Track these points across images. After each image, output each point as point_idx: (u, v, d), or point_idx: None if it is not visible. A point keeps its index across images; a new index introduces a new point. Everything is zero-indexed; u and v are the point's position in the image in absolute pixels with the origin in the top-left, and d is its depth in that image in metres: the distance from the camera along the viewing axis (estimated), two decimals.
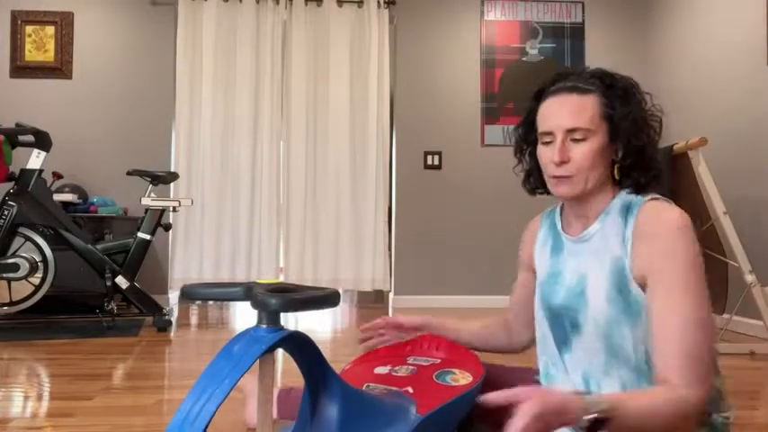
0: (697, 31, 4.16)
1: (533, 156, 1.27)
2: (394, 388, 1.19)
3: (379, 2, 4.64)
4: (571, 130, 1.13)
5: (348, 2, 4.64)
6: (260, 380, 0.99)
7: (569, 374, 1.19)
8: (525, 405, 0.84)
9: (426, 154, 4.73)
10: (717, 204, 2.94)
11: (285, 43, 4.61)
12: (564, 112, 1.14)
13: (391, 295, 4.70)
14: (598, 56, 4.78)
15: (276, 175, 4.56)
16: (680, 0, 4.38)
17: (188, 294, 1.04)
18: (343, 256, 4.57)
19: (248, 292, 0.97)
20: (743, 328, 3.37)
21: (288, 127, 4.58)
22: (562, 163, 1.14)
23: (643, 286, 1.09)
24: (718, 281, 2.98)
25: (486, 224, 4.71)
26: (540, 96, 1.22)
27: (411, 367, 1.29)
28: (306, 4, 4.60)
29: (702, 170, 2.94)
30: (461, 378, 1.22)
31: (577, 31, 4.83)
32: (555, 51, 4.80)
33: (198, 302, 4.81)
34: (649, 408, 0.94)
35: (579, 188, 1.15)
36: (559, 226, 1.26)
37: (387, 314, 4.50)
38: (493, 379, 1.32)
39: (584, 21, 4.84)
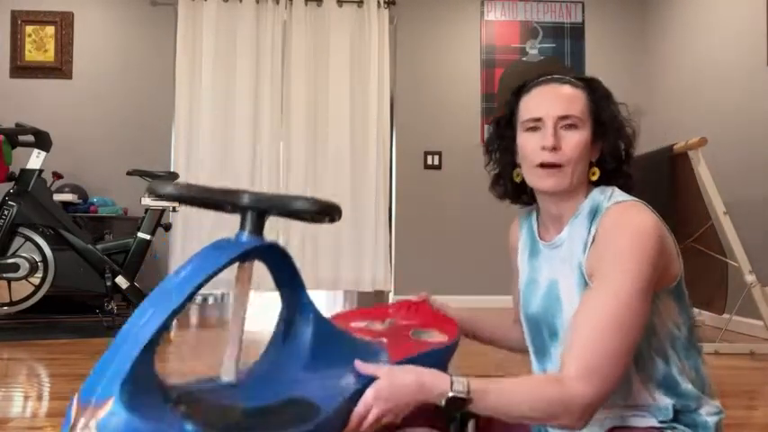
0: (697, 30, 4.16)
1: (505, 155, 1.21)
2: (367, 338, 1.15)
3: (379, 2, 4.64)
4: (563, 117, 1.09)
5: (348, 2, 4.64)
6: (237, 291, 0.91)
7: None
8: (371, 415, 0.93)
9: (426, 154, 4.73)
10: (717, 204, 2.94)
11: (285, 43, 4.61)
12: (558, 100, 1.10)
13: (391, 295, 4.70)
14: (598, 56, 4.78)
15: (276, 174, 4.56)
16: (680, 0, 4.38)
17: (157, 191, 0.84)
18: (343, 257, 4.56)
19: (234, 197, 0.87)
20: (743, 328, 3.37)
21: (287, 127, 4.58)
22: (554, 149, 1.08)
23: None
24: (718, 281, 2.97)
25: (486, 224, 4.71)
26: (520, 92, 1.17)
27: (389, 321, 1.26)
28: (306, 4, 4.60)
29: (702, 170, 2.94)
30: (437, 337, 1.19)
31: (577, 31, 4.83)
32: (555, 51, 4.80)
33: (196, 299, 4.81)
34: (511, 393, 0.95)
35: (567, 181, 1.09)
36: (536, 231, 1.23)
37: None
38: None
39: (584, 21, 4.84)
